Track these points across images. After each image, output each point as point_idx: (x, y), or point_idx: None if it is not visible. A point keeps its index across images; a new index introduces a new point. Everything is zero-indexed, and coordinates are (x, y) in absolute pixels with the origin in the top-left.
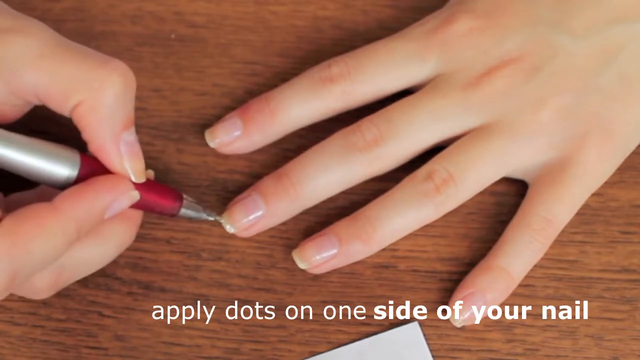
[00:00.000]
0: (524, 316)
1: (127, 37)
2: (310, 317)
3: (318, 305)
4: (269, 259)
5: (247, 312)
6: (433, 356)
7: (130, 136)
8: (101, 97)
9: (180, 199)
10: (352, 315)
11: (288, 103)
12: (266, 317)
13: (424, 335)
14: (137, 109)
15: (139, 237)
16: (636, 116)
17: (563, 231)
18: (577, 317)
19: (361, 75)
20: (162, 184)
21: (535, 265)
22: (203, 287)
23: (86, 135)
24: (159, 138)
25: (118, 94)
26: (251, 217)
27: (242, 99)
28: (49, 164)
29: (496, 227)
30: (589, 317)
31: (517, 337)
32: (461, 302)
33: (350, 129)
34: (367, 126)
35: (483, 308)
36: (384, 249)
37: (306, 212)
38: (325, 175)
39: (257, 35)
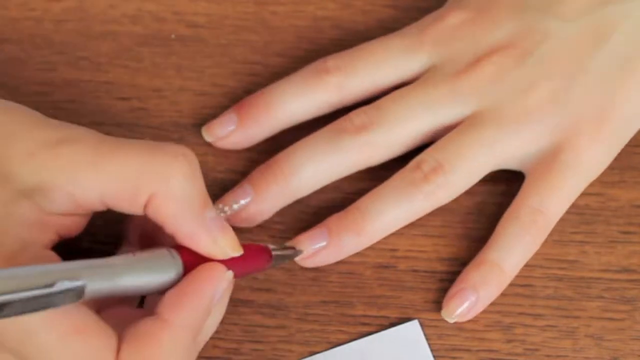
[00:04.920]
0: (524, 316)
1: (127, 37)
2: (310, 317)
3: (318, 305)
4: None
5: (247, 312)
6: (433, 355)
7: (212, 213)
8: (173, 185)
9: (269, 253)
10: (352, 315)
11: (283, 96)
12: (266, 317)
13: (424, 333)
14: (137, 109)
15: None
16: (631, 99)
17: (563, 231)
18: (577, 317)
19: (355, 68)
20: (250, 244)
21: (535, 265)
22: None
23: (169, 227)
24: (159, 138)
25: (188, 177)
26: (241, 201)
27: (242, 99)
28: (155, 276)
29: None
30: (589, 317)
31: (517, 337)
32: (454, 297)
33: (340, 119)
34: (357, 113)
35: (476, 304)
36: (383, 249)
37: (305, 212)
38: (314, 162)
39: (257, 35)
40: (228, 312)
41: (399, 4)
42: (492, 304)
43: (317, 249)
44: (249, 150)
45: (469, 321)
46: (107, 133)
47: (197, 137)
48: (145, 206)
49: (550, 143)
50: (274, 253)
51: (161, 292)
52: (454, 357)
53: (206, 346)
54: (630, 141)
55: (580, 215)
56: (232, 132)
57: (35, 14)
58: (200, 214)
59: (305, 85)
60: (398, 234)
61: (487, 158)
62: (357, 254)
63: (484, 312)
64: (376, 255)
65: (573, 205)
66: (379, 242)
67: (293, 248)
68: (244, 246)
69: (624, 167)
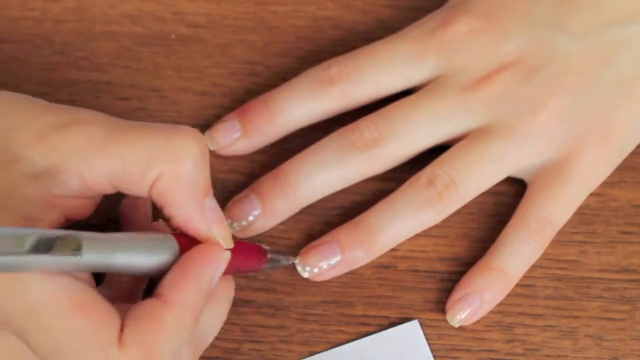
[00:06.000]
0: (524, 316)
1: (127, 37)
2: (310, 317)
3: (318, 305)
4: None
5: (247, 312)
6: (433, 355)
7: (212, 202)
8: (181, 166)
9: (265, 254)
10: (352, 315)
11: (287, 105)
12: (266, 317)
13: (424, 333)
14: (137, 109)
15: None
16: (635, 117)
17: (563, 231)
18: (577, 317)
19: (360, 76)
20: (244, 242)
21: (535, 265)
22: None
23: (170, 208)
24: None
25: (197, 161)
26: (249, 217)
27: (242, 99)
28: (152, 256)
29: (496, 227)
30: (589, 317)
31: (517, 337)
32: (459, 302)
33: (349, 128)
34: (366, 125)
35: (481, 308)
36: None
37: (306, 213)
38: (322, 174)
39: (257, 35)
40: (228, 312)
41: (399, 4)
42: None
43: (329, 266)
44: (249, 151)
45: None
46: None
47: None
48: (151, 186)
49: (556, 155)
50: (269, 255)
51: (155, 274)
52: (454, 357)
53: None
54: None
55: (580, 215)
56: (236, 141)
57: (35, 14)
58: (201, 200)
59: (309, 94)
60: None
61: (496, 171)
62: None
63: None
64: None
65: None
66: None
67: (287, 253)
68: (240, 243)
69: (624, 167)
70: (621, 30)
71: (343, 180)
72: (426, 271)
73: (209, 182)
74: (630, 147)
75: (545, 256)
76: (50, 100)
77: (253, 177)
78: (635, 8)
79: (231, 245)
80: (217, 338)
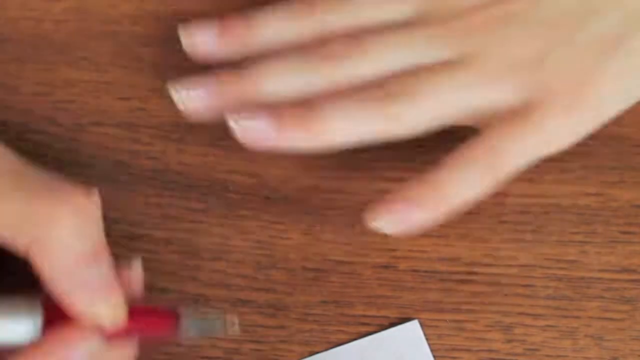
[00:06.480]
0: (524, 316)
1: (127, 37)
2: (310, 317)
3: (318, 305)
4: (269, 259)
5: (247, 312)
6: (433, 355)
7: (103, 269)
8: (54, 232)
9: (176, 317)
10: (352, 315)
11: (265, 22)
12: (266, 317)
13: (424, 333)
14: (137, 109)
15: (139, 238)
16: (611, 79)
17: (563, 231)
18: (577, 317)
19: (340, 5)
20: (154, 306)
21: (535, 265)
22: (203, 287)
23: (42, 279)
24: (159, 138)
25: (73, 225)
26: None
27: None
28: (8, 323)
29: (496, 227)
30: (589, 317)
31: (517, 337)
32: (387, 208)
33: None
34: (336, 41)
35: (408, 218)
36: (383, 249)
37: (306, 212)
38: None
39: None
40: (228, 311)
41: None
42: (492, 304)
43: (254, 130)
44: (250, 151)
45: (469, 321)
46: (107, 133)
47: (197, 137)
48: (27, 252)
49: (521, 102)
50: (189, 320)
51: (7, 349)
52: (454, 357)
53: (206, 346)
54: (631, 141)
55: (580, 215)
56: (211, 40)
57: (35, 14)
58: (80, 270)
59: (288, 14)
60: None
61: (455, 101)
62: (357, 254)
63: (484, 312)
64: (376, 255)
65: (573, 205)
66: (379, 242)
67: (221, 311)
68: (139, 309)
69: (624, 167)
70: None
71: (305, 85)
72: (426, 271)
73: (93, 249)
74: (608, 111)
75: (545, 256)
76: (50, 100)
77: (253, 176)
78: None
79: (119, 322)
80: (217, 338)
